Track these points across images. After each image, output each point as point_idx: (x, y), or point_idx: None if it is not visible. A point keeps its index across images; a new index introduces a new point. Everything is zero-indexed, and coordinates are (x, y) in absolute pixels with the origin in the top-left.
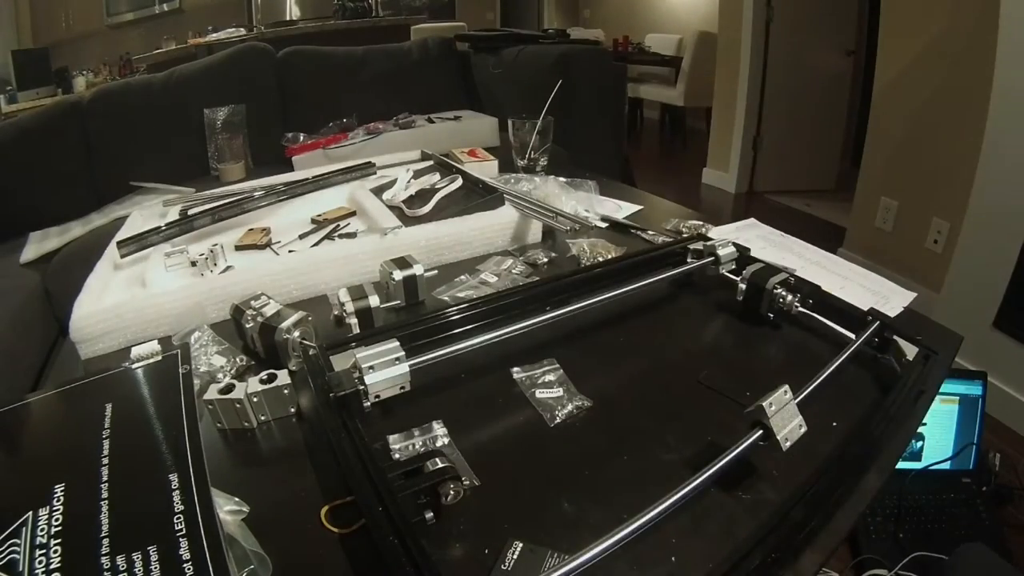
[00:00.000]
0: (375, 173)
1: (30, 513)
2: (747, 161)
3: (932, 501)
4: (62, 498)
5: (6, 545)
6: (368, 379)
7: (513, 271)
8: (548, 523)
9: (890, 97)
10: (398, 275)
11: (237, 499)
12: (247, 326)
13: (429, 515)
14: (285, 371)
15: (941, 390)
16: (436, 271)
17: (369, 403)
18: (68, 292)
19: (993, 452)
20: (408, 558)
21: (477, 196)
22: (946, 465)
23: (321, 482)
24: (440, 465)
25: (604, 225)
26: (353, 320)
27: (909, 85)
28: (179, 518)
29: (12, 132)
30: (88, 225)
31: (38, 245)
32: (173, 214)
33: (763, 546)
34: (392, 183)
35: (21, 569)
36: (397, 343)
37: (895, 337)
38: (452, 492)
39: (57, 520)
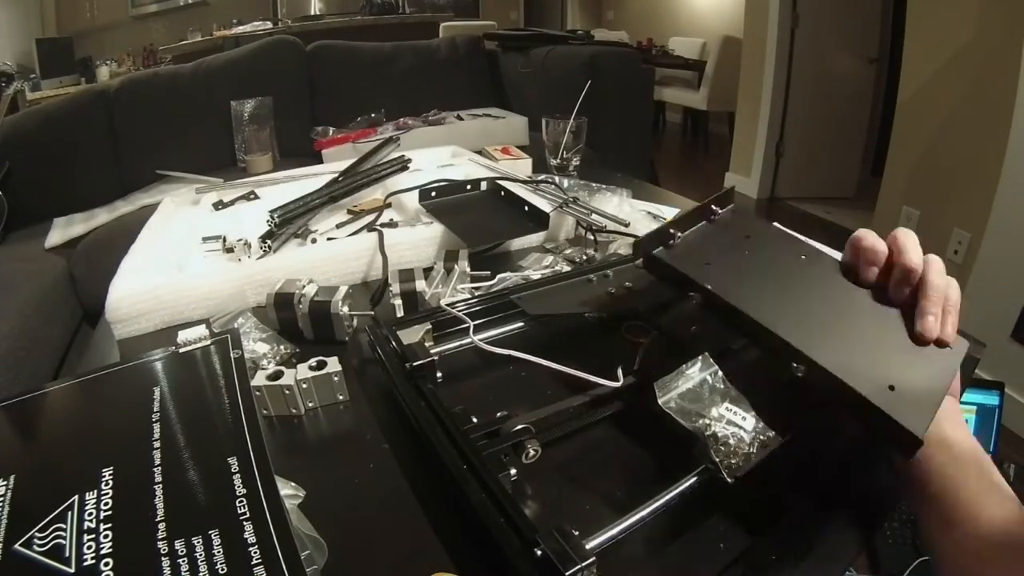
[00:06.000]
0: (408, 168)
1: (76, 497)
2: (769, 167)
3: None
4: (111, 481)
5: (50, 530)
6: None
7: (555, 268)
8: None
9: (915, 106)
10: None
11: (293, 484)
12: (297, 305)
13: (513, 472)
14: (335, 359)
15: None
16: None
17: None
18: (93, 277)
19: (1008, 463)
20: (501, 511)
21: (519, 216)
22: None
23: (375, 467)
24: (519, 426)
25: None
26: (397, 302)
27: (934, 94)
28: (242, 501)
29: (38, 119)
30: (114, 212)
31: (63, 230)
32: (206, 202)
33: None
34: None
35: (68, 554)
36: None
37: None
38: (531, 451)
39: (106, 504)
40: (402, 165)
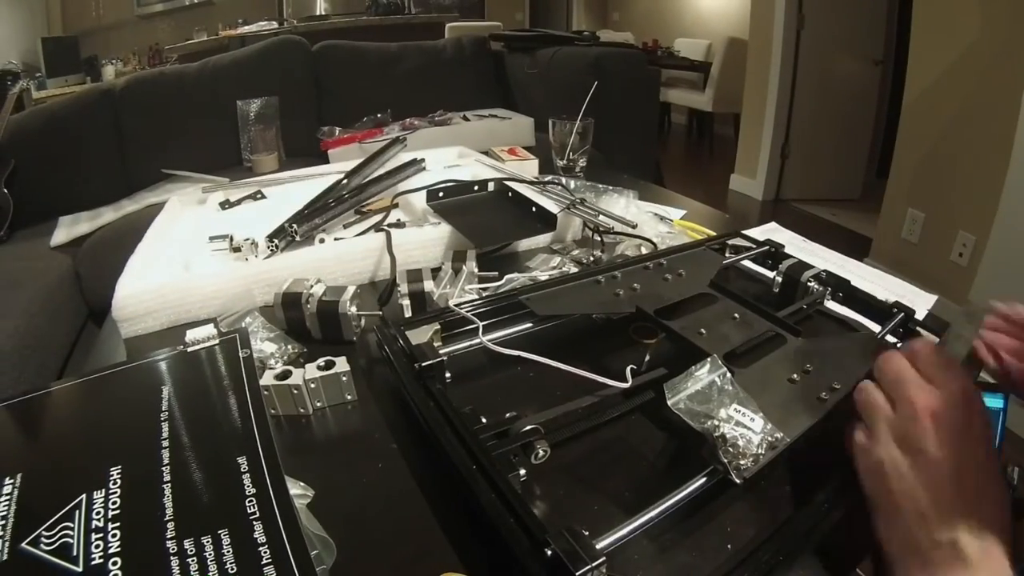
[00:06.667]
0: (424, 169)
1: (84, 495)
2: (775, 168)
3: None
4: (119, 480)
5: (58, 528)
6: None
7: (563, 269)
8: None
9: (920, 108)
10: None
11: (302, 483)
12: (305, 305)
13: (523, 472)
14: (343, 358)
15: None
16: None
17: (449, 375)
18: (99, 276)
19: (1012, 466)
20: (510, 511)
21: (527, 217)
22: None
23: (383, 467)
24: (528, 427)
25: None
26: (406, 302)
27: (939, 96)
28: (251, 501)
29: (44, 117)
30: (120, 211)
31: (68, 229)
32: (212, 201)
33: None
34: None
35: (76, 553)
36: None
37: (919, 329)
38: (541, 452)
39: (114, 503)
40: (419, 168)
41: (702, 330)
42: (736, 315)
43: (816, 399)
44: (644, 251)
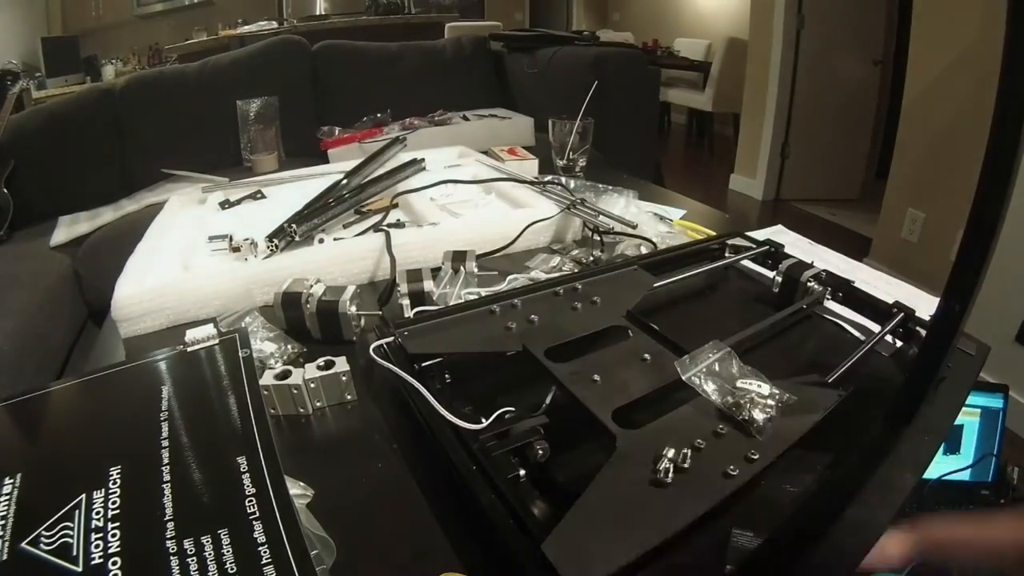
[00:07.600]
0: (425, 169)
1: (83, 495)
2: (775, 168)
3: (952, 512)
4: (119, 480)
5: (58, 528)
6: None
7: (563, 268)
8: None
9: (919, 108)
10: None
11: (302, 483)
12: (305, 304)
13: (522, 472)
14: (343, 358)
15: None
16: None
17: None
18: (99, 276)
19: (1012, 466)
20: (510, 512)
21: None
22: (965, 476)
23: (383, 467)
24: (528, 427)
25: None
26: (405, 302)
27: (939, 96)
28: (251, 501)
29: (44, 117)
30: (119, 211)
31: (68, 229)
32: (212, 201)
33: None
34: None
35: (75, 553)
36: None
37: (919, 329)
38: (540, 451)
39: (114, 503)
40: (419, 168)
41: (596, 376)
42: (647, 355)
43: (720, 475)
44: (644, 251)
